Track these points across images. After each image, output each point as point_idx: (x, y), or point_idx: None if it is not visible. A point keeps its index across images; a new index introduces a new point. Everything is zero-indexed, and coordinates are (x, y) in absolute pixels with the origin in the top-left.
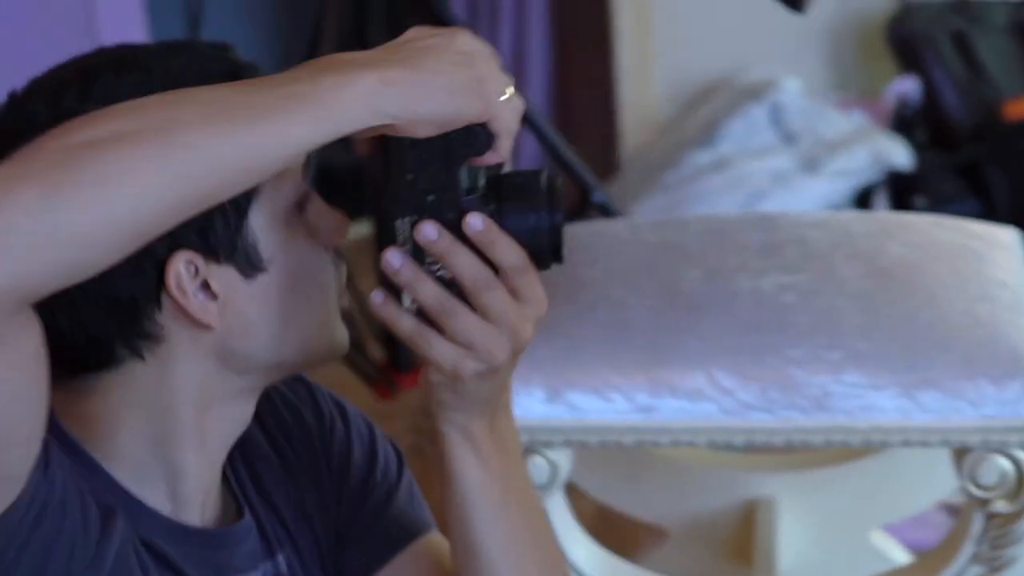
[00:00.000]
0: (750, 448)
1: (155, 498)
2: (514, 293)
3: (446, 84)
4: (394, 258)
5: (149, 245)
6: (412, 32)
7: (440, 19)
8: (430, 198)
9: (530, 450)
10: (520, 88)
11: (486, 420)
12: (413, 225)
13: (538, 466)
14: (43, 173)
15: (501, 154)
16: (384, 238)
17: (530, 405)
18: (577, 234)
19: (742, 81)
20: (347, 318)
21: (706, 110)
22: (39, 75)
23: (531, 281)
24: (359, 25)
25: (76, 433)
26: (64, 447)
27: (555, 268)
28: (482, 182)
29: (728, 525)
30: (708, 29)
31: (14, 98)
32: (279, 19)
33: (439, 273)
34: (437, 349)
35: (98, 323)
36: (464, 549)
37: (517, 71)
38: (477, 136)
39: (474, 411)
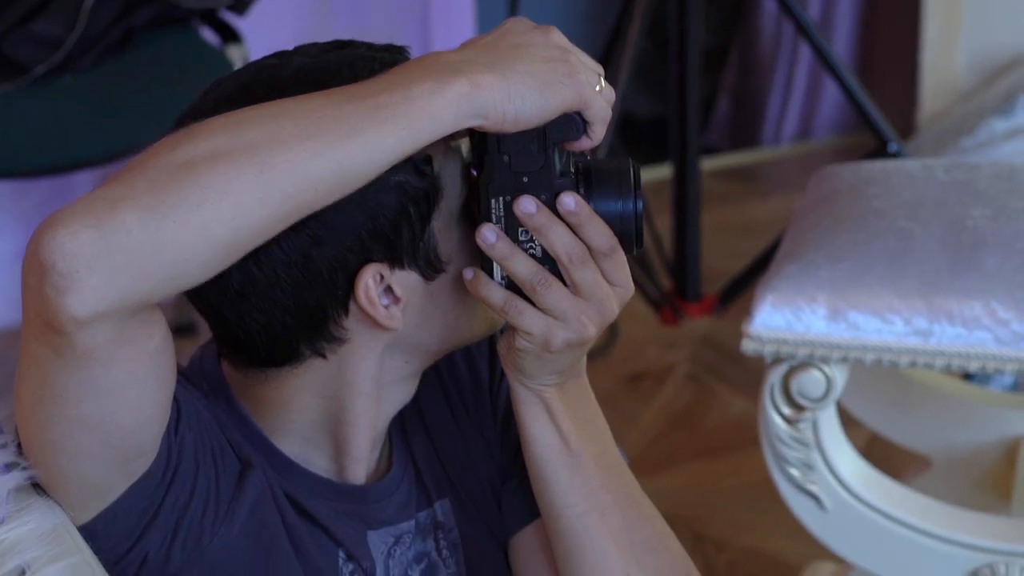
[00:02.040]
0: (1021, 377)
1: (319, 462)
2: (602, 274)
3: (537, 83)
4: (490, 233)
5: (342, 259)
6: (508, 25)
7: None
8: (525, 179)
9: (807, 364)
10: (828, 34)
11: (557, 387)
12: (508, 204)
13: (814, 379)
14: (145, 195)
15: (594, 140)
16: (480, 216)
17: (812, 321)
18: (872, 169)
19: None
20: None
21: (1007, 81)
22: (223, 78)
23: (620, 263)
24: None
25: (248, 408)
26: (232, 416)
27: (849, 198)
28: (572, 168)
29: (990, 460)
30: (1017, 4)
31: (201, 101)
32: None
33: (530, 251)
34: (529, 319)
35: (286, 329)
36: (547, 510)
37: (825, 28)
38: (572, 122)
39: (549, 379)
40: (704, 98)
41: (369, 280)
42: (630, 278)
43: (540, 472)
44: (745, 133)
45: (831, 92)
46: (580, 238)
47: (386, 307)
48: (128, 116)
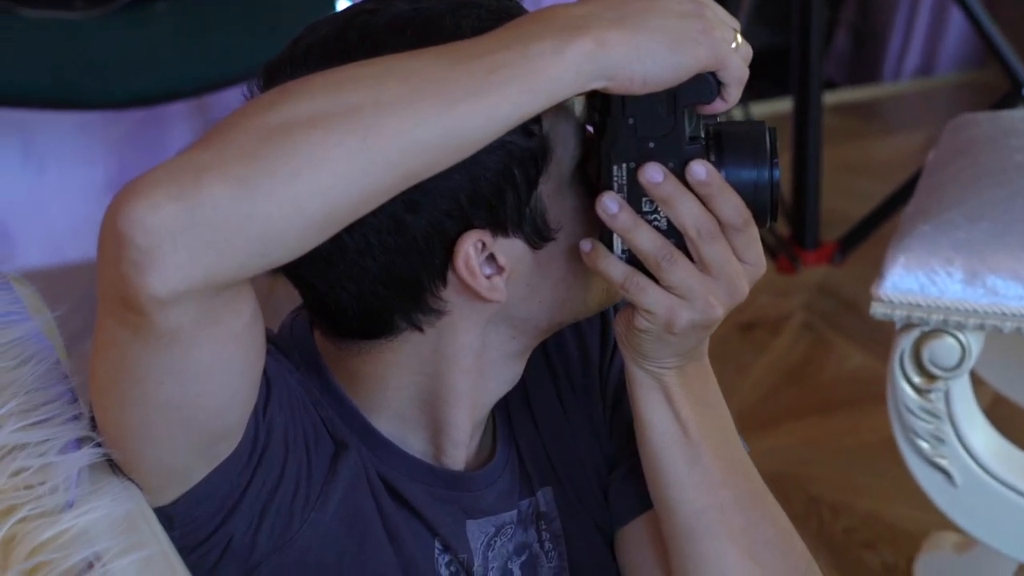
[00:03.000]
0: None
1: (416, 443)
2: (732, 250)
3: (669, 40)
4: (612, 203)
5: (439, 225)
6: None
7: None
8: (651, 145)
9: (941, 331)
10: None
11: (677, 370)
12: (631, 171)
13: (948, 347)
14: (234, 164)
15: (729, 103)
16: (601, 183)
17: (947, 285)
18: (1013, 118)
19: None
20: None
21: None
22: (318, 23)
23: (752, 239)
24: None
25: (342, 382)
26: (325, 391)
27: (988, 150)
28: (702, 132)
29: None
30: None
31: (291, 47)
32: None
33: (654, 223)
34: (652, 297)
35: (379, 300)
36: (660, 504)
37: None
38: (705, 84)
39: (670, 362)
40: (823, 30)
41: (469, 248)
42: (762, 255)
43: (655, 462)
44: (864, 67)
45: (957, 24)
46: (710, 210)
47: (488, 277)
48: (222, 45)
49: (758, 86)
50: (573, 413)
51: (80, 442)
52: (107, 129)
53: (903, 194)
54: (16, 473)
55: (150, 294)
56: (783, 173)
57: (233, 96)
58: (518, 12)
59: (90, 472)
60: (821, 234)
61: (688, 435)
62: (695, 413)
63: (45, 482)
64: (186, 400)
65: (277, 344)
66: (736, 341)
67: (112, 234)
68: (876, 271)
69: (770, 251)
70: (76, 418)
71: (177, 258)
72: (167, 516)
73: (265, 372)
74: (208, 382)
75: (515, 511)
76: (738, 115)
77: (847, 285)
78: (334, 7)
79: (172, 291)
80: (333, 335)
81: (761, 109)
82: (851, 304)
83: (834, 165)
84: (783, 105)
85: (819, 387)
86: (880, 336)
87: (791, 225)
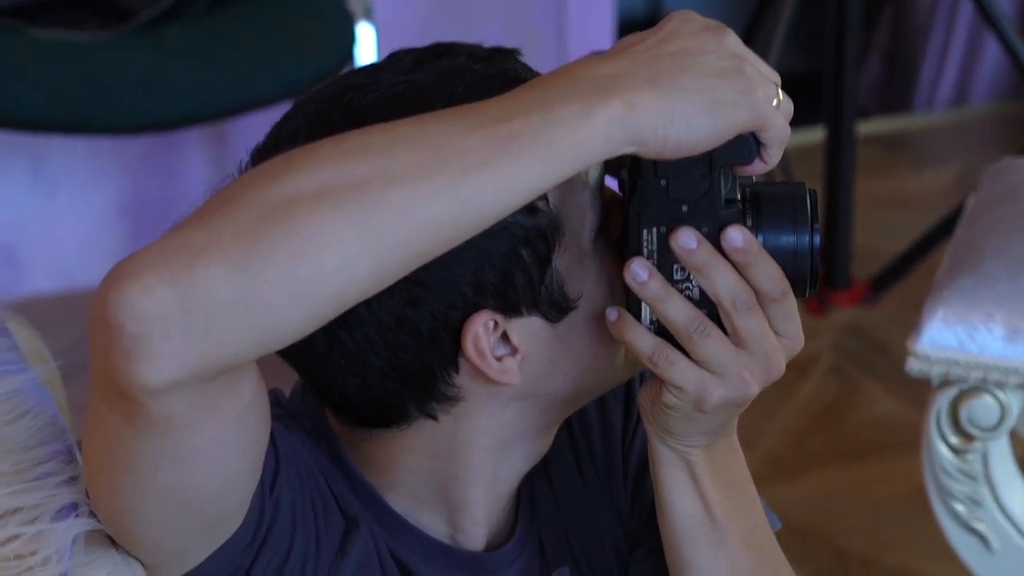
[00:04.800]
0: None
1: (431, 523)
2: (769, 322)
3: (707, 103)
4: (641, 270)
5: (443, 317)
6: (674, 24)
7: None
8: (684, 207)
9: (980, 389)
10: None
11: (705, 449)
12: (662, 236)
13: (987, 407)
14: (231, 245)
15: (769, 164)
16: (629, 247)
17: (987, 342)
18: None
19: None
20: None
21: None
22: (305, 99)
23: (790, 311)
24: None
25: (353, 459)
26: (337, 466)
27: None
28: (738, 194)
29: None
30: None
31: (279, 127)
32: None
33: (686, 292)
34: (682, 372)
35: (388, 391)
36: None
37: None
38: (744, 144)
39: (698, 440)
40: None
41: (479, 329)
42: (800, 328)
43: (678, 546)
44: (897, 96)
45: (992, 53)
46: (746, 279)
47: (499, 359)
48: (238, 70)
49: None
50: (593, 489)
51: (75, 506)
52: (119, 153)
53: (938, 233)
54: (7, 541)
55: (142, 383)
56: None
57: (250, 122)
58: (525, 74)
59: (86, 541)
60: (852, 271)
61: (714, 519)
62: (722, 495)
63: (37, 552)
64: (183, 485)
65: (289, 410)
66: None
67: (102, 319)
68: (907, 312)
69: None
70: (72, 480)
71: (170, 346)
72: None
73: (274, 444)
74: (206, 467)
75: None
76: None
77: (877, 326)
78: (352, 29)
79: (165, 380)
80: (341, 420)
81: (791, 139)
82: (881, 346)
83: (864, 199)
84: (814, 135)
85: (847, 433)
86: (910, 380)
87: (822, 264)
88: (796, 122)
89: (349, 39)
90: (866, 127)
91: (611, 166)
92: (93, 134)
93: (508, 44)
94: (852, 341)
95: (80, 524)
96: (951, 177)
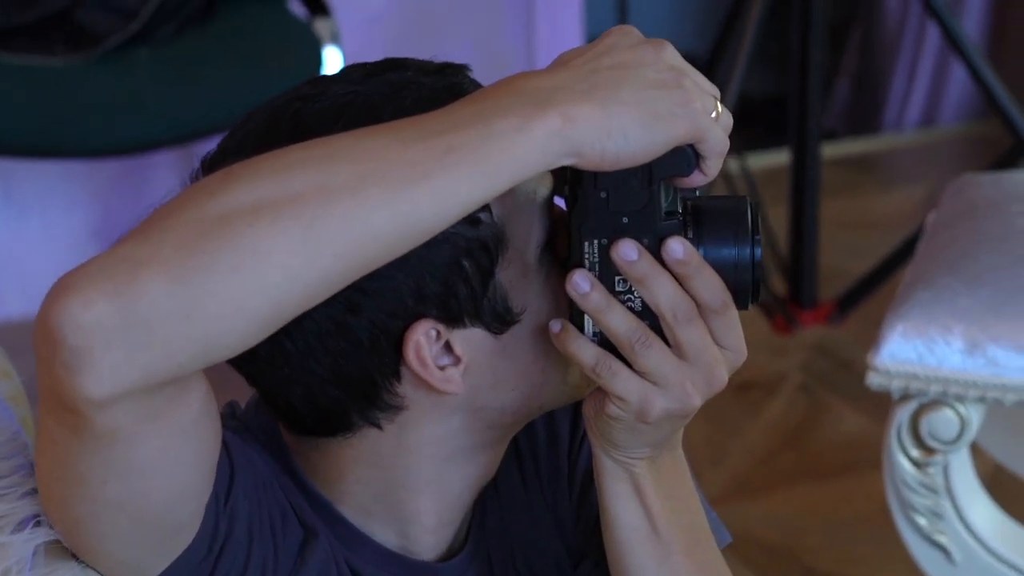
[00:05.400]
0: None
1: (383, 534)
2: (711, 334)
3: (644, 115)
4: (583, 281)
5: (384, 325)
6: (613, 38)
7: None
8: (624, 219)
9: (939, 403)
10: (958, 14)
11: (649, 461)
12: (604, 248)
13: (947, 420)
14: (171, 258)
15: (708, 176)
16: (571, 260)
17: (947, 355)
18: (1016, 181)
19: None
20: None
21: None
22: (258, 108)
23: (731, 323)
24: None
25: (305, 471)
26: (293, 478)
27: (990, 214)
28: (679, 207)
29: None
30: None
31: (229, 137)
32: None
33: (628, 303)
34: (624, 383)
35: (331, 399)
36: None
37: (955, 5)
38: (683, 156)
39: (641, 452)
40: (823, 79)
41: (420, 338)
42: (743, 340)
43: (622, 558)
44: (865, 117)
45: (960, 74)
46: (687, 290)
47: (442, 369)
48: (207, 93)
49: (755, 135)
50: (536, 499)
51: (36, 518)
52: (91, 176)
53: (903, 252)
54: None
55: (85, 396)
56: (781, 228)
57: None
58: (469, 86)
59: (46, 552)
60: (819, 291)
61: (658, 532)
62: (666, 508)
63: None
64: (132, 497)
65: (245, 423)
66: (731, 402)
67: (44, 333)
68: (873, 330)
69: (766, 310)
70: (33, 492)
71: (112, 359)
72: None
73: (229, 455)
74: (155, 479)
75: None
76: (734, 168)
77: (845, 345)
78: (319, 53)
79: (108, 393)
80: (289, 429)
81: (757, 160)
82: (848, 365)
83: (832, 220)
84: (781, 157)
85: (815, 451)
86: (878, 398)
87: (788, 283)
88: (763, 144)
89: (316, 63)
90: (835, 149)
91: (558, 184)
92: (63, 158)
93: (478, 65)
94: (819, 360)
95: (40, 535)
96: (920, 197)
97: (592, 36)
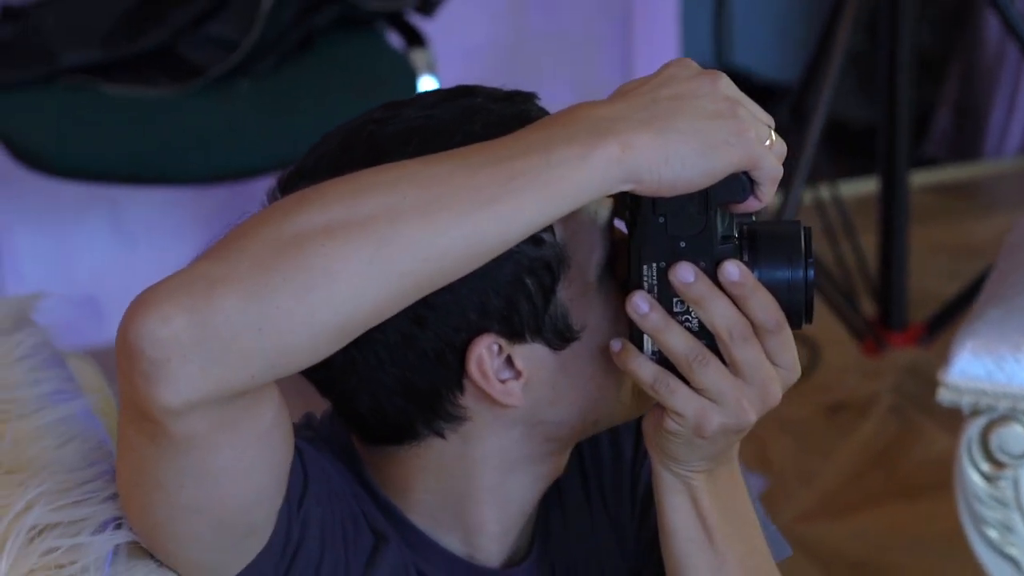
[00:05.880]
0: None
1: (449, 541)
2: (766, 353)
3: (700, 144)
4: (642, 302)
5: (449, 339)
6: (671, 70)
7: None
8: (682, 243)
9: (1009, 418)
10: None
11: (706, 474)
12: (662, 271)
13: (1016, 435)
14: (246, 276)
15: (763, 201)
16: (631, 282)
17: (1015, 372)
18: None
19: None
20: (843, 270)
21: None
22: (334, 130)
23: (786, 342)
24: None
25: (376, 480)
26: (364, 485)
27: None
28: (735, 231)
29: None
30: None
31: (305, 158)
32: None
33: (685, 323)
34: (682, 399)
35: (397, 409)
36: None
37: None
38: (738, 182)
39: (698, 465)
40: (923, 108)
41: (483, 351)
42: (796, 358)
43: (678, 570)
44: (966, 145)
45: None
46: (743, 311)
47: (504, 382)
48: (305, 123)
49: (851, 162)
50: (599, 514)
51: (117, 521)
52: (197, 204)
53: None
54: (47, 552)
55: (162, 405)
56: (871, 253)
57: None
58: (537, 113)
59: (128, 552)
60: (913, 315)
61: (713, 543)
62: (722, 520)
63: (76, 561)
64: (209, 503)
65: (319, 433)
66: (822, 423)
67: (124, 346)
68: None
69: (856, 334)
70: (114, 497)
71: (188, 370)
72: None
73: (303, 464)
74: (230, 485)
75: None
76: (826, 197)
77: (937, 367)
78: (415, 83)
79: (184, 402)
80: (360, 439)
81: (857, 187)
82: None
83: (932, 245)
84: (872, 185)
85: (904, 472)
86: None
87: (878, 306)
88: (864, 171)
89: (412, 93)
90: (935, 176)
91: (619, 207)
92: (165, 184)
93: (576, 97)
94: (911, 382)
95: (120, 536)
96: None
97: None
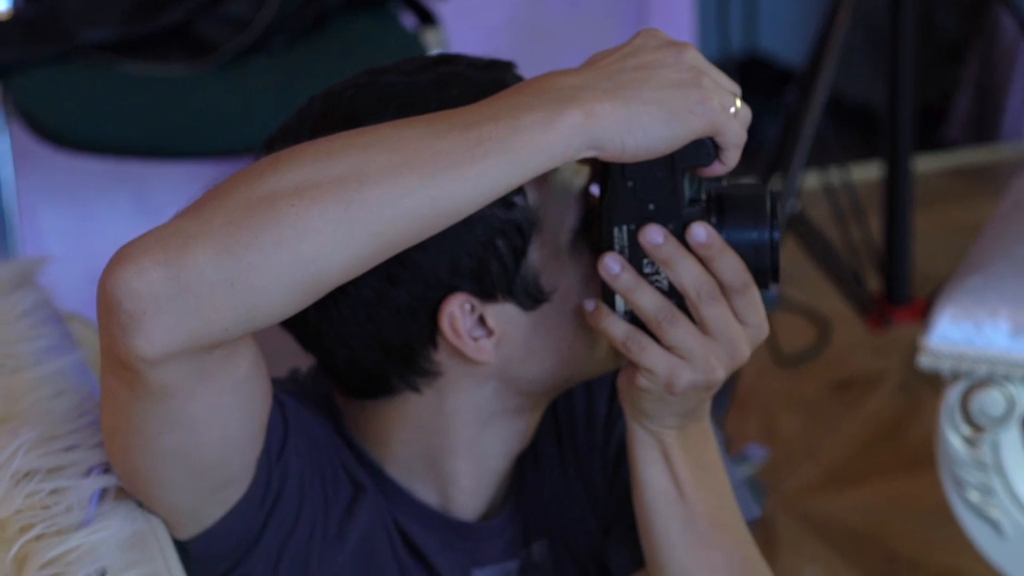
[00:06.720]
0: None
1: (425, 493)
2: (733, 312)
3: (663, 112)
4: (613, 263)
5: (422, 296)
6: (640, 40)
7: None
8: (651, 206)
9: (988, 382)
10: None
11: (677, 430)
12: (632, 233)
13: (994, 399)
14: (219, 232)
15: (727, 166)
16: (602, 244)
17: (994, 337)
18: None
19: None
20: (849, 248)
21: None
22: (319, 94)
23: (753, 301)
24: None
25: (354, 432)
26: (343, 438)
27: None
28: (703, 195)
29: None
30: None
31: (291, 119)
32: None
33: (656, 284)
34: (652, 356)
35: (374, 363)
36: (651, 563)
37: None
38: (703, 148)
39: (670, 421)
40: (944, 92)
41: (455, 310)
42: (764, 317)
43: (649, 521)
44: (985, 128)
45: None
46: (710, 272)
47: (476, 340)
48: None
49: (872, 144)
50: (572, 470)
51: (104, 466)
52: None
53: None
54: (33, 494)
55: (138, 355)
56: (877, 231)
57: None
58: (512, 81)
59: (114, 496)
60: (919, 292)
61: (683, 496)
62: (692, 475)
63: (61, 503)
64: (185, 449)
65: (304, 387)
66: (829, 399)
67: (103, 297)
68: None
69: (861, 310)
70: (102, 444)
71: (162, 322)
72: (184, 550)
73: (284, 416)
74: (206, 432)
75: (518, 561)
76: (835, 179)
77: None
78: None
79: (159, 352)
80: (339, 391)
81: (873, 170)
82: None
83: (948, 226)
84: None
85: (910, 445)
86: None
87: (883, 282)
88: (869, 154)
89: None
90: (954, 158)
91: (596, 176)
92: (181, 159)
93: None
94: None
95: (105, 480)
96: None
97: (705, 51)
